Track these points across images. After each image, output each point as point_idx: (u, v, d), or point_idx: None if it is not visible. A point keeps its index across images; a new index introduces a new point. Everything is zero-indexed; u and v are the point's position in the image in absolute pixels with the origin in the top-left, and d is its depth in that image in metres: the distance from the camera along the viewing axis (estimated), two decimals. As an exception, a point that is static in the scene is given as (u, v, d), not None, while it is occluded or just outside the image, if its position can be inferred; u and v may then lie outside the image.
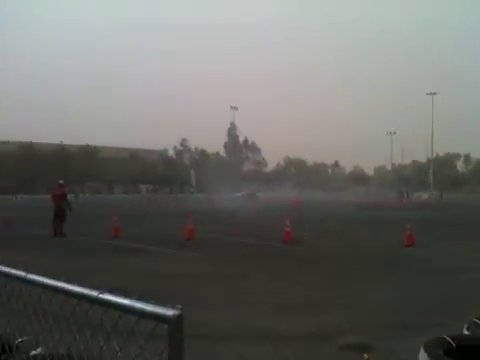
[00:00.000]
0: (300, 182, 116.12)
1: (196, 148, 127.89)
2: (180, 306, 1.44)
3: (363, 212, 37.33)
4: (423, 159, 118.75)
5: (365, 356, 4.90)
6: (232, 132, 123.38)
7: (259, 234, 19.19)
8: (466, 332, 3.72)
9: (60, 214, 19.40)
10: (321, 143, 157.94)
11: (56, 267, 10.59)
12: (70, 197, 23.77)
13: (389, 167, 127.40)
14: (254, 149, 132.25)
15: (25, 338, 2.80)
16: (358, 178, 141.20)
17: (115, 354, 1.80)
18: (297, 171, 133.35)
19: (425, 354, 3.12)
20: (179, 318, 1.43)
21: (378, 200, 62.83)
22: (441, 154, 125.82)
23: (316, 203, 53.06)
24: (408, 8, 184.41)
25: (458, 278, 10.32)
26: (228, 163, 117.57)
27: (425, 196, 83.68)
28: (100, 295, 1.69)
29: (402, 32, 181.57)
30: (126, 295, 1.64)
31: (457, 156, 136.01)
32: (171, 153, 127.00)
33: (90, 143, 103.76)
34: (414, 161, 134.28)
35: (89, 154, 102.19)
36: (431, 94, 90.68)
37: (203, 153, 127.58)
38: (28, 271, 2.16)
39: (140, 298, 1.58)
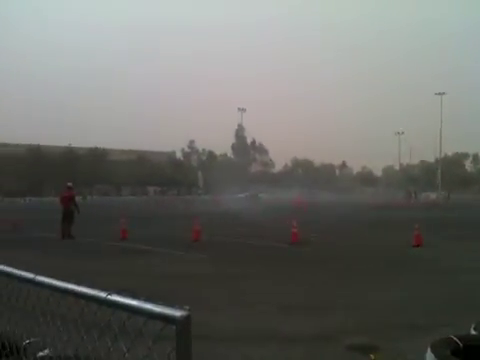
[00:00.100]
0: (308, 183, 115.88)
1: (204, 150, 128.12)
2: (188, 307, 1.45)
3: (371, 212, 37.23)
4: (431, 159, 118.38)
5: (372, 357, 4.90)
6: (240, 133, 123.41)
7: (266, 235, 19.18)
8: (473, 332, 3.71)
9: (68, 216, 19.50)
10: (329, 144, 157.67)
11: (65, 269, 10.65)
12: (78, 199, 23.91)
13: (397, 167, 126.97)
14: (262, 150, 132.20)
15: (32, 339, 2.82)
16: (366, 178, 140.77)
17: (123, 355, 1.82)
18: (304, 172, 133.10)
19: (432, 354, 3.12)
20: (187, 319, 1.44)
21: (386, 200, 62.61)
22: (449, 154, 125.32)
23: (323, 204, 52.94)
24: (418, 7, 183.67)
25: (466, 278, 10.27)
26: (236, 164, 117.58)
27: (433, 196, 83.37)
28: (109, 296, 1.71)
29: (411, 32, 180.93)
30: (134, 296, 1.66)
31: (465, 156, 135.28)
32: (179, 155, 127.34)
33: (98, 145, 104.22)
34: (422, 161, 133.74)
35: (97, 156, 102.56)
36: (440, 94, 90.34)
37: (211, 155, 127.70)
38: (37, 273, 2.19)
39: (148, 299, 1.60)
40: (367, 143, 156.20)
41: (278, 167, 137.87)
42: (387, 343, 6.02)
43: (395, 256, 13.91)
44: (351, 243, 17.33)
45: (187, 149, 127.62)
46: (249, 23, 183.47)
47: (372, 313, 7.63)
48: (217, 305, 8.06)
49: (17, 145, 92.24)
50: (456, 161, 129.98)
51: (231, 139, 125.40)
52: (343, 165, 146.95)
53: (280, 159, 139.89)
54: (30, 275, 2.19)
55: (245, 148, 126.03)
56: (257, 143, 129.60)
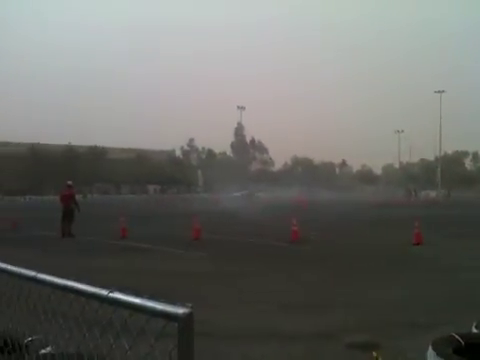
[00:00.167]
0: (307, 182, 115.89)
1: (203, 148, 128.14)
2: (190, 304, 1.45)
3: (371, 210, 37.23)
4: (431, 157, 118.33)
5: (374, 354, 4.90)
6: (239, 132, 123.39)
7: (266, 234, 19.18)
8: (475, 330, 3.71)
9: (68, 215, 19.51)
10: (328, 142, 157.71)
11: (65, 267, 10.64)
12: (78, 198, 23.90)
13: (397, 165, 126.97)
14: (261, 149, 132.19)
15: (34, 337, 2.82)
16: (366, 177, 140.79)
17: (125, 353, 1.82)
18: (304, 170, 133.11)
19: (434, 352, 3.12)
20: (189, 316, 1.44)
21: (386, 198, 62.63)
22: (449, 152, 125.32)
23: (323, 202, 52.94)
24: (418, 6, 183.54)
25: (466, 276, 10.28)
26: (235, 163, 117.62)
27: (433, 194, 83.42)
28: (110, 294, 1.71)
29: (410, 30, 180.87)
30: (136, 294, 1.65)
31: (465, 154, 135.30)
32: (178, 153, 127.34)
33: (98, 144, 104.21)
34: (422, 159, 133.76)
35: (97, 155, 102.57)
36: (439, 92, 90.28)
37: (210, 153, 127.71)
38: (37, 271, 2.18)
39: (150, 297, 1.60)
40: (367, 141, 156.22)
41: (278, 166, 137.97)
42: (388, 341, 6.03)
43: (395, 254, 13.92)
44: (351, 241, 17.34)
45: (187, 147, 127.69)
46: (249, 22, 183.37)
47: (373, 311, 7.63)
48: (217, 303, 8.06)
49: (17, 144, 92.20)
50: (456, 159, 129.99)
51: (230, 137, 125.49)
52: (343, 163, 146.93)
53: (280, 157, 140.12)
54: (32, 273, 2.19)
55: (244, 147, 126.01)
56: (256, 141, 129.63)
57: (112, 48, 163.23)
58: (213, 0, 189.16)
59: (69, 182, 20.96)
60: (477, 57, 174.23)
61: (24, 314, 2.58)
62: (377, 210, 38.02)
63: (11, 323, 2.69)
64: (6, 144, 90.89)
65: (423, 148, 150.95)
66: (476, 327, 3.72)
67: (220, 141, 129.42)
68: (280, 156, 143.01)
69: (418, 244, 15.33)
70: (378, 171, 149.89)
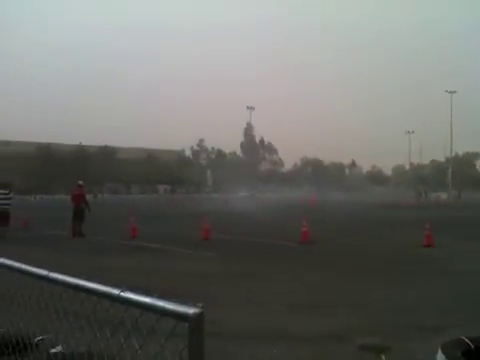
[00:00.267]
0: (316, 182, 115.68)
1: (213, 148, 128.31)
2: (201, 304, 1.46)
3: (381, 212, 37.06)
4: (442, 158, 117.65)
5: (382, 357, 4.88)
6: (248, 132, 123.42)
7: (275, 234, 19.16)
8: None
9: (79, 214, 19.62)
10: (338, 143, 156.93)
11: (76, 266, 10.67)
12: (89, 197, 24.02)
13: (407, 167, 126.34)
14: (271, 149, 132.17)
15: (45, 336, 2.84)
16: (376, 178, 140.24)
17: (135, 352, 1.83)
18: (314, 171, 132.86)
19: (443, 355, 3.10)
20: (200, 316, 1.45)
21: (396, 200, 62.31)
22: (460, 153, 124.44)
23: (333, 203, 52.77)
24: (431, 5, 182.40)
25: (477, 279, 10.20)
26: (245, 163, 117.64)
27: (444, 196, 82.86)
28: (122, 293, 1.72)
29: (421, 29, 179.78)
30: (147, 293, 1.67)
31: (476, 155, 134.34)
32: (188, 153, 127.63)
33: (109, 144, 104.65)
34: (433, 160, 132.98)
35: (107, 155, 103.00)
36: (450, 92, 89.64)
37: (220, 153, 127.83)
38: (50, 270, 2.21)
39: (161, 296, 1.61)
40: (377, 142, 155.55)
41: (287, 166, 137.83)
42: (397, 343, 6.00)
43: (406, 256, 13.84)
44: (361, 242, 17.27)
45: (196, 147, 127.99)
46: (259, 22, 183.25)
47: (382, 313, 7.60)
48: (227, 303, 8.06)
49: (29, 143, 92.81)
50: (467, 161, 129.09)
51: (240, 138, 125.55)
52: (353, 164, 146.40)
53: (289, 158, 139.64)
54: (43, 272, 2.21)
55: (254, 147, 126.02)
56: (266, 142, 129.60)
57: (123, 49, 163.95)
58: (222, 1, 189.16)
59: (80, 182, 21.07)
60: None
61: (35, 313, 2.60)
62: (387, 211, 37.84)
63: (22, 322, 2.71)
64: (17, 143, 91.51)
65: (434, 149, 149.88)
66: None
67: (230, 141, 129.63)
68: (290, 156, 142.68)
69: (428, 246, 15.24)
70: (388, 172, 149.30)
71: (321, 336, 6.42)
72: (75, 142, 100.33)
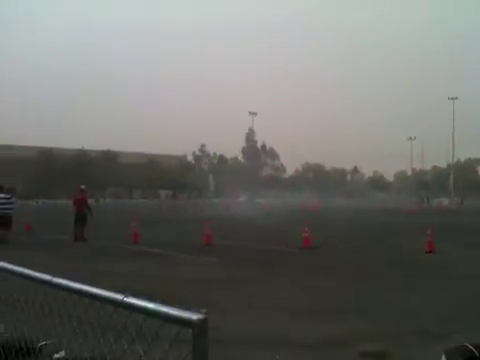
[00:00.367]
0: (318, 188, 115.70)
1: (214, 153, 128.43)
2: (205, 310, 1.46)
3: (382, 218, 37.01)
4: (444, 164, 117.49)
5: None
6: (250, 137, 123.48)
7: (277, 239, 19.14)
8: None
9: (81, 219, 19.64)
10: (340, 148, 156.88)
11: (78, 271, 10.67)
12: (91, 202, 24.04)
13: (409, 172, 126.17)
14: (272, 155, 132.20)
15: (48, 341, 2.84)
16: (378, 184, 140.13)
17: (139, 358, 1.83)
18: (315, 177, 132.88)
19: (446, 362, 3.10)
20: (204, 322, 1.45)
21: (398, 205, 62.23)
22: (462, 159, 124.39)
23: (334, 209, 52.73)
24: (432, 11, 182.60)
25: (479, 285, 10.17)
26: (246, 169, 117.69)
27: (446, 202, 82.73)
28: (125, 299, 1.73)
29: (423, 35, 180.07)
30: (150, 299, 1.67)
31: (478, 161, 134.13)
32: (190, 158, 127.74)
33: (111, 149, 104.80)
34: (435, 166, 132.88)
35: (109, 159, 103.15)
36: (452, 99, 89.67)
37: (221, 158, 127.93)
38: (52, 274, 2.21)
39: (164, 302, 1.61)
40: (379, 148, 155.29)
41: (289, 172, 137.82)
42: (400, 349, 5.98)
43: (407, 262, 13.82)
44: (363, 248, 17.24)
45: (198, 153, 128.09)
46: (261, 26, 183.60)
47: (384, 319, 7.58)
48: (229, 309, 8.05)
49: (30, 148, 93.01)
50: (469, 166, 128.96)
51: (242, 143, 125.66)
52: (355, 170, 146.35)
53: (291, 163, 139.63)
54: (47, 277, 2.22)
55: (256, 152, 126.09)
56: (268, 147, 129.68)
57: (126, 53, 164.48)
58: (224, 5, 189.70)
59: (82, 186, 21.10)
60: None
61: (39, 318, 2.60)
62: (389, 217, 37.79)
63: (26, 327, 2.71)
64: (19, 148, 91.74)
65: (436, 155, 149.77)
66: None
67: (231, 146, 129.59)
68: (291, 162, 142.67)
69: (430, 252, 15.20)
70: (390, 178, 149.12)
71: (322, 342, 6.40)
72: (77, 147, 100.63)
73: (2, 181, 25.75)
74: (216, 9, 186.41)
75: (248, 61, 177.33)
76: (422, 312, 8.01)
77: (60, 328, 2.45)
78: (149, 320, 1.67)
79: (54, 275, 2.20)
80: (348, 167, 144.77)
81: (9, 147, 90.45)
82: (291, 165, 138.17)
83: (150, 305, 1.65)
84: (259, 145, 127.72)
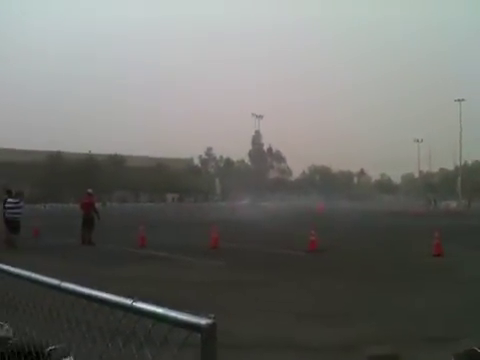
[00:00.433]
0: (325, 190, 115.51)
1: (221, 157, 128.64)
2: (213, 315, 1.47)
3: (390, 220, 36.88)
4: (451, 167, 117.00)
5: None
6: (256, 140, 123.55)
7: (283, 243, 19.12)
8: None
9: (89, 223, 19.72)
10: (347, 151, 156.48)
11: (86, 275, 10.72)
12: (98, 206, 24.13)
13: (416, 175, 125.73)
14: (279, 157, 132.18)
15: (57, 346, 2.85)
16: (385, 186, 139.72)
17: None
18: (322, 179, 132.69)
19: (455, 366, 3.08)
20: (212, 327, 1.45)
21: (405, 208, 62.00)
22: (469, 162, 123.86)
23: (341, 211, 52.59)
24: (439, 14, 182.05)
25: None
26: (253, 171, 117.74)
27: (453, 204, 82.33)
28: (134, 303, 1.73)
29: (429, 38, 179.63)
30: (159, 304, 1.67)
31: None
32: (197, 162, 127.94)
33: (118, 153, 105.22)
34: (442, 169, 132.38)
35: (117, 163, 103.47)
36: (459, 101, 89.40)
37: (228, 162, 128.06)
38: (60, 278, 2.22)
39: (173, 307, 1.62)
40: (386, 150, 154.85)
41: (296, 174, 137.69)
42: (407, 353, 5.95)
43: (415, 265, 13.76)
44: (370, 251, 17.20)
45: (205, 156, 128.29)
46: (266, 29, 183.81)
47: (392, 322, 7.55)
48: (236, 313, 8.05)
49: (38, 152, 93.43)
50: (476, 169, 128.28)
51: (248, 146, 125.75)
52: (361, 172, 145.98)
53: (298, 166, 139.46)
54: (55, 281, 2.23)
55: (262, 155, 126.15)
56: (274, 150, 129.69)
57: (133, 58, 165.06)
58: (229, 9, 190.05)
59: (89, 190, 21.21)
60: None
61: (47, 322, 2.61)
62: (396, 220, 37.66)
63: (34, 331, 2.72)
64: (27, 152, 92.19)
65: (443, 157, 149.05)
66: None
67: (238, 150, 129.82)
68: (298, 165, 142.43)
69: (438, 255, 15.13)
70: (397, 180, 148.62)
71: (329, 345, 6.39)
72: (84, 151, 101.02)
73: (10, 185, 25.91)
74: (221, 13, 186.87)
75: (254, 64, 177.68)
76: (430, 315, 7.98)
77: (69, 333, 2.46)
78: (157, 324, 1.67)
79: (62, 279, 2.20)
80: (355, 170, 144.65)
81: (17, 152, 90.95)
82: (297, 168, 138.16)
83: (159, 310, 1.65)
84: (265, 148, 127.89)
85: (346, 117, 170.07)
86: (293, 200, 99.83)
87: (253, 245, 18.70)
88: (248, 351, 6.20)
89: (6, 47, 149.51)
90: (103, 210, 34.47)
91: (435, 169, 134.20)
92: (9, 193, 19.69)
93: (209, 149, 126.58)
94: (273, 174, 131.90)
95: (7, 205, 18.65)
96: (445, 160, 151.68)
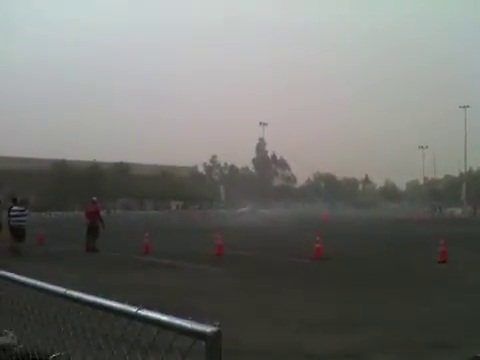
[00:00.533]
0: (330, 198, 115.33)
1: (225, 164, 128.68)
2: (218, 323, 1.47)
3: (395, 227, 36.76)
4: (456, 173, 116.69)
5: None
6: (261, 148, 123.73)
7: (288, 250, 19.08)
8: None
9: (94, 230, 19.75)
10: (352, 158, 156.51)
11: (91, 283, 10.72)
12: (102, 213, 24.16)
13: (421, 182, 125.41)
14: (283, 165, 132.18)
15: (60, 353, 2.86)
16: (389, 193, 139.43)
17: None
18: (327, 187, 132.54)
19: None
20: (217, 335, 1.46)
21: (410, 215, 61.80)
22: (474, 168, 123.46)
23: (346, 219, 52.48)
24: (445, 20, 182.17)
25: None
26: (257, 179, 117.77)
27: (458, 211, 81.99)
28: (139, 311, 1.74)
29: (435, 43, 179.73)
30: (164, 311, 1.68)
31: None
32: (201, 169, 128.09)
33: (123, 160, 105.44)
34: (447, 175, 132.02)
35: (122, 171, 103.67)
36: (464, 107, 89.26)
37: (232, 169, 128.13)
38: (64, 285, 2.23)
39: (177, 314, 1.62)
40: (390, 157, 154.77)
41: (300, 182, 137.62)
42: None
43: (420, 272, 13.70)
44: (375, 259, 17.13)
45: (209, 163, 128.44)
46: (271, 37, 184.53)
47: (398, 330, 7.51)
48: (242, 320, 8.02)
49: (43, 160, 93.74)
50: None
51: (252, 153, 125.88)
52: (366, 180, 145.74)
53: (302, 173, 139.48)
54: (61, 289, 2.23)
55: (266, 162, 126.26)
56: (278, 157, 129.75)
57: (138, 66, 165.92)
58: (233, 16, 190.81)
59: (94, 198, 21.25)
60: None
61: (52, 329, 2.62)
62: (401, 227, 37.53)
63: (39, 338, 2.73)
64: (32, 160, 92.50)
65: (448, 164, 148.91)
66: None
67: (242, 157, 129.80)
68: (302, 172, 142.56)
69: (443, 262, 15.06)
70: (402, 187, 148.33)
71: (336, 353, 6.36)
72: (89, 159, 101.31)
73: (15, 193, 25.98)
74: (226, 20, 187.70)
75: (258, 72, 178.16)
76: (436, 323, 7.93)
77: (74, 340, 2.47)
78: (162, 332, 1.67)
79: (67, 287, 2.21)
80: (359, 177, 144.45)
81: (22, 160, 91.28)
82: (302, 175, 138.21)
83: (164, 318, 1.65)
84: (270, 155, 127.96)
85: (351, 124, 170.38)
86: (298, 207, 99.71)
87: (258, 252, 18.66)
88: (254, 358, 6.17)
89: (15, 58, 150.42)
90: (108, 218, 34.53)
91: (440, 176, 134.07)
92: (14, 201, 19.75)
93: (213, 156, 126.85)
94: (278, 181, 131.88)
95: (12, 213, 18.68)
96: (450, 167, 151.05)
